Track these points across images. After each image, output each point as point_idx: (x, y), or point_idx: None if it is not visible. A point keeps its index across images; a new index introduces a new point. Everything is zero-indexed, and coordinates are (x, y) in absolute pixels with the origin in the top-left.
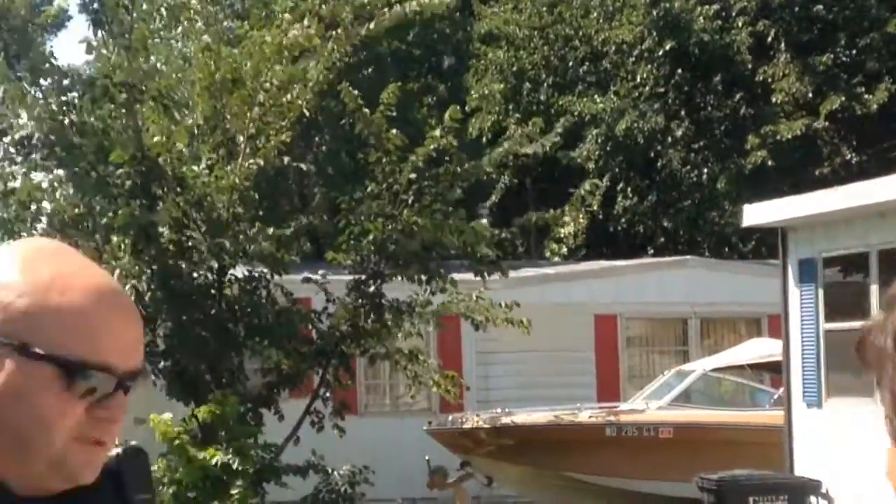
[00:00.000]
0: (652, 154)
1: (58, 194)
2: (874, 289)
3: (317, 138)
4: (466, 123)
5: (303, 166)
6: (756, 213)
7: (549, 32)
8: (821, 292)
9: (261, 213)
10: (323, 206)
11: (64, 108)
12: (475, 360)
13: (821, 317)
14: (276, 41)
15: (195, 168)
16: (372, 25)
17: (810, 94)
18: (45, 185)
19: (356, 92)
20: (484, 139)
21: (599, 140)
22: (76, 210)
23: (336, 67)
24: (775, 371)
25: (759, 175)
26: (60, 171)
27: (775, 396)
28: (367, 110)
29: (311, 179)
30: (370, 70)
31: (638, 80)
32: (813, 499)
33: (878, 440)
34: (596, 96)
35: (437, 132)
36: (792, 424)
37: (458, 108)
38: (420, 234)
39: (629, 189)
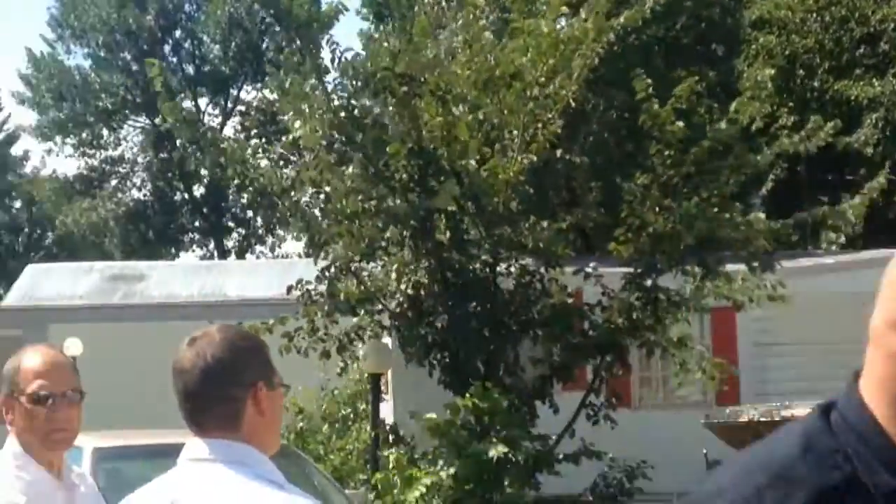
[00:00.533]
0: None
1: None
2: None
3: (584, 130)
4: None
5: (576, 159)
6: None
7: (826, 14)
8: None
9: (532, 206)
10: (597, 199)
11: (346, 102)
12: (751, 353)
13: None
14: (552, 35)
15: (472, 162)
16: (631, 13)
17: None
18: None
19: (648, 81)
20: (754, 127)
21: (879, 125)
22: (358, 203)
23: (599, 56)
24: None
25: None
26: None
27: None
28: (655, 101)
29: (580, 172)
30: (635, 58)
31: None
32: None
33: None
34: (874, 80)
35: (723, 124)
36: None
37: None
38: (697, 228)
39: None
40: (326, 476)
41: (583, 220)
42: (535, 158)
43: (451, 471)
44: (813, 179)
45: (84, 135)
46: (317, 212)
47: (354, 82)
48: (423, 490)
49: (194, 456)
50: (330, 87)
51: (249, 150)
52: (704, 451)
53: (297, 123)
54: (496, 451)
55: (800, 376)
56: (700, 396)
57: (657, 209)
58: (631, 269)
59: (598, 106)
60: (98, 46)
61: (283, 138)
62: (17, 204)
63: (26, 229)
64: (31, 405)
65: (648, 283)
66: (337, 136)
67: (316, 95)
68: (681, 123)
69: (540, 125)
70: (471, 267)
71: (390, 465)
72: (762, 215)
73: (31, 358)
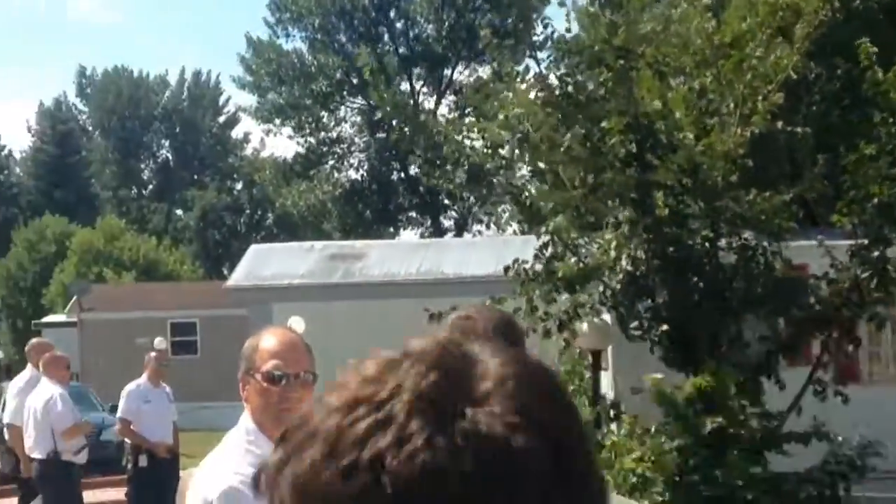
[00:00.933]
0: None
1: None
2: None
3: (805, 100)
4: None
5: (797, 130)
6: None
7: None
8: None
9: (756, 179)
10: (821, 171)
11: (561, 77)
12: None
13: None
14: (771, 2)
15: (689, 135)
16: None
17: None
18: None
19: (874, 49)
20: None
21: None
22: (578, 177)
23: (823, 24)
24: None
25: None
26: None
27: None
28: (878, 69)
29: (802, 143)
30: (859, 25)
31: None
32: None
33: None
34: None
35: None
36: None
37: None
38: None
39: None
40: None
41: (806, 192)
42: (755, 131)
43: (676, 443)
44: None
45: (302, 117)
46: (533, 189)
47: (569, 57)
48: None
49: None
50: (544, 65)
51: (464, 129)
52: None
53: (512, 100)
54: (713, 422)
55: None
56: None
57: (879, 179)
58: (856, 242)
59: (822, 76)
60: (314, 29)
61: (498, 116)
62: (239, 185)
63: (248, 210)
64: (265, 384)
65: (876, 254)
66: (552, 111)
67: (529, 72)
68: None
69: (760, 97)
70: (690, 242)
71: (612, 441)
72: None
73: (269, 339)
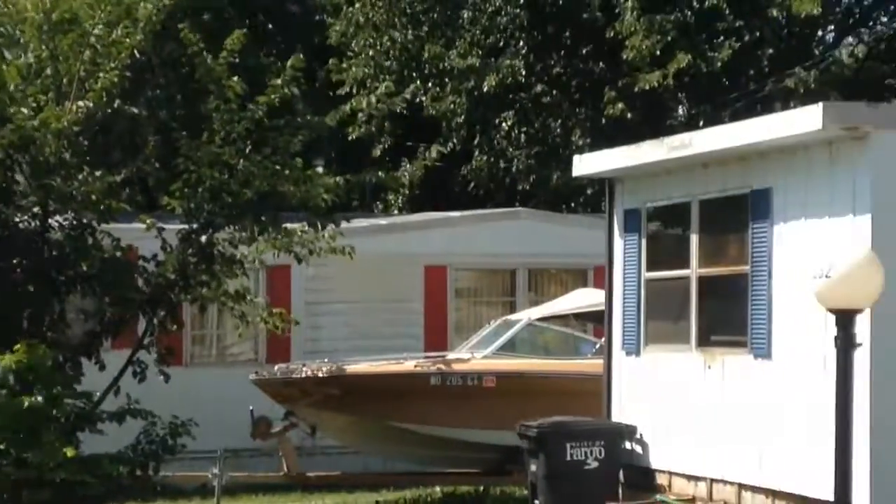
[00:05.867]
0: (511, 109)
1: None
2: (694, 238)
3: (150, 83)
4: (320, 72)
5: (135, 110)
6: (585, 164)
7: None
8: (644, 242)
9: (90, 158)
10: (155, 153)
11: None
12: (304, 311)
13: (643, 266)
14: None
15: (23, 110)
16: None
17: (658, 52)
18: None
19: (197, 35)
20: (347, 90)
21: (463, 94)
22: None
23: (167, 7)
24: (599, 321)
25: (617, 129)
26: None
27: (598, 345)
28: (207, 55)
29: (144, 125)
30: (211, 14)
31: (494, 35)
32: (628, 444)
33: (689, 385)
34: (458, 49)
35: (279, 81)
36: (611, 372)
37: (302, 56)
38: (256, 183)
39: (485, 144)
40: None
41: (140, 173)
42: (91, 106)
43: None
44: (392, 144)
45: None
46: None
47: None
48: None
49: None
50: None
51: None
52: (251, 407)
53: None
54: (30, 401)
55: (350, 334)
56: (252, 355)
57: (211, 164)
58: (189, 226)
59: (169, 59)
60: None
61: None
62: None
63: None
64: None
65: (203, 238)
66: None
67: None
68: (236, 78)
69: (100, 75)
70: (18, 218)
71: None
72: (320, 169)
73: None
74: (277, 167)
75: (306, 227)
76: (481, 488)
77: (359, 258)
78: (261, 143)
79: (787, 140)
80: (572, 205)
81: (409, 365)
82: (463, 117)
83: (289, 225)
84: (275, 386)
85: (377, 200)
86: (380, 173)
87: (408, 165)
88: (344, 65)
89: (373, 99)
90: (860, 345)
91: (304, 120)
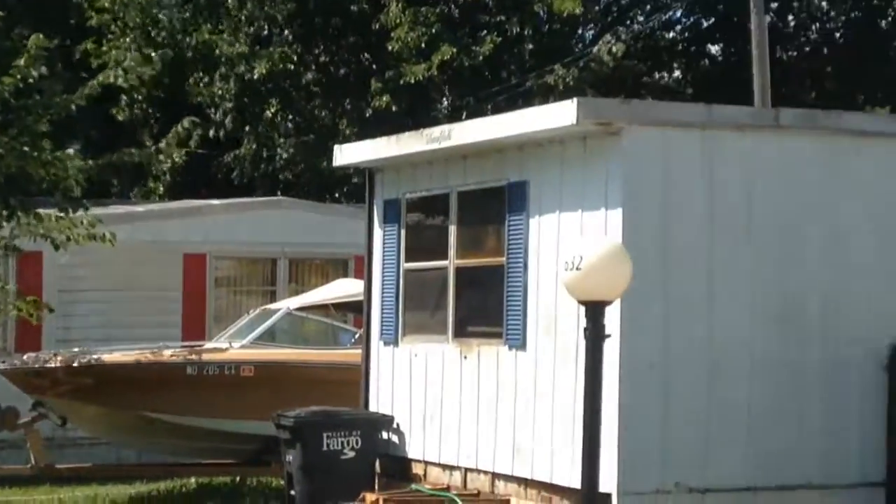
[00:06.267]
0: (277, 97)
1: None
2: (453, 229)
3: None
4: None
5: None
6: (345, 154)
7: None
8: (403, 233)
9: None
10: None
11: None
12: (57, 299)
13: (402, 257)
14: None
15: None
16: None
17: (423, 44)
18: None
19: None
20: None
21: (231, 80)
22: None
23: None
24: (358, 311)
25: (384, 119)
26: None
27: (357, 336)
28: None
29: None
30: None
31: (259, 23)
32: (385, 434)
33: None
34: (224, 35)
35: (23, 61)
36: (369, 362)
37: (42, 36)
38: (4, 165)
39: (253, 132)
40: None
41: None
42: None
43: None
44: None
45: None
46: None
47: None
48: None
49: None
50: None
51: None
52: None
53: None
54: None
55: (102, 323)
56: (0, 343)
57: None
58: None
59: None
60: None
61: None
62: None
63: None
64: None
65: None
66: None
67: None
68: None
69: None
70: None
71: None
72: (71, 151)
73: None
74: (26, 149)
75: (60, 213)
76: (237, 479)
77: (117, 246)
78: (7, 124)
79: (542, 134)
80: (337, 195)
81: (165, 354)
82: (232, 104)
83: (42, 210)
84: (23, 375)
85: (137, 187)
86: (133, 150)
87: (164, 144)
88: (104, 47)
89: (120, 71)
90: (609, 336)
91: (50, 100)
